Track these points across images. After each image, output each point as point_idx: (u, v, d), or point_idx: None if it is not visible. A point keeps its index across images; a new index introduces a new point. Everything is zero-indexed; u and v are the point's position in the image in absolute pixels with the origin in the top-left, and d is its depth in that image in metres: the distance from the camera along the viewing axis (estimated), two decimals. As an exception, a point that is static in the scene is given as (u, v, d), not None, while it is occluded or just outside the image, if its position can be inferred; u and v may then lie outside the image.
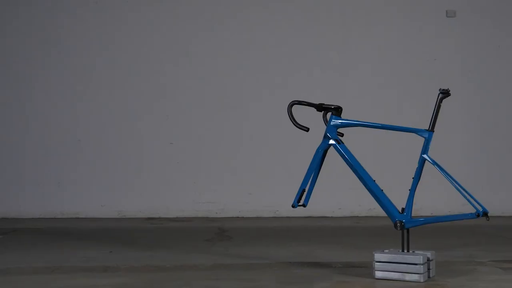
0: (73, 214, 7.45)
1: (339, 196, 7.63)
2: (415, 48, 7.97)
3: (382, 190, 3.98)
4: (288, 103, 4.14)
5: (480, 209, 3.81)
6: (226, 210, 7.60)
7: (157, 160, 7.64)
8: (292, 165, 7.13)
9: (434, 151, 7.83)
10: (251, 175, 7.50)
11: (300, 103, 4.10)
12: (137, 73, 7.66)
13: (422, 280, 3.72)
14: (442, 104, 4.13)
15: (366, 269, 4.05)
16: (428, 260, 3.86)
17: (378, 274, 3.84)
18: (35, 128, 7.55)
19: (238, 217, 7.54)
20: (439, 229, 6.58)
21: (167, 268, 4.24)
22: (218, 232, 6.22)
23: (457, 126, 8.03)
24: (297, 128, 4.05)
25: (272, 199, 7.46)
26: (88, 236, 6.03)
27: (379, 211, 7.02)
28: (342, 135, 4.20)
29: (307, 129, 4.03)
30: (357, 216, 7.57)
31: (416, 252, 3.88)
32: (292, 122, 4.08)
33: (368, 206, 7.46)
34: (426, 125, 7.99)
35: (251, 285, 3.70)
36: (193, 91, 7.65)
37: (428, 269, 3.85)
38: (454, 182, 3.84)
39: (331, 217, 7.55)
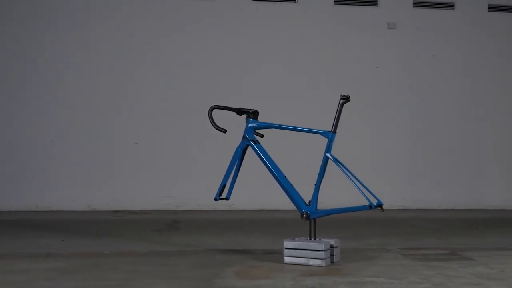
0: (46, 208, 7.49)
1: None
2: (359, 57, 8.11)
3: (292, 185, 4.07)
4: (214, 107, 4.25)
5: (375, 202, 3.91)
6: (185, 204, 7.70)
7: (124, 159, 7.71)
8: (244, 163, 7.25)
9: (376, 150, 8.05)
10: (208, 172, 7.57)
11: (219, 107, 4.19)
12: (108, 79, 7.72)
13: (324, 265, 3.81)
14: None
15: (281, 255, 4.14)
16: (332, 247, 3.97)
17: (287, 259, 3.93)
18: (12, 128, 7.58)
19: (196, 210, 7.65)
20: (371, 220, 6.73)
21: (104, 255, 4.27)
22: (170, 223, 6.29)
23: (396, 126, 8.16)
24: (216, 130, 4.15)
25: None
26: (52, 227, 6.04)
27: (325, 204, 7.19)
28: (262, 136, 4.30)
29: (224, 131, 4.13)
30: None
31: (322, 240, 3.99)
32: (212, 124, 4.17)
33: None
34: (372, 126, 8.20)
35: (168, 268, 3.74)
36: (156, 97, 7.75)
37: (331, 255, 3.95)
38: (352, 178, 3.93)
39: (283, 210, 7.61)
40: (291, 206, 7.81)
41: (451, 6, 8.28)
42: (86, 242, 4.96)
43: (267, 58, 7.96)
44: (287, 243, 3.95)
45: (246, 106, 7.64)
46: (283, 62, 7.98)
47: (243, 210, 7.62)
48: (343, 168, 3.92)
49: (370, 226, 6.22)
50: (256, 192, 7.41)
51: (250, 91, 7.82)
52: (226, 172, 4.18)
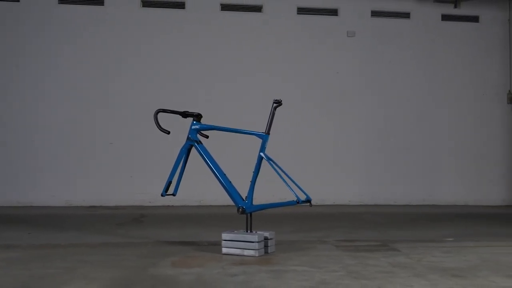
0: (27, 203, 7.58)
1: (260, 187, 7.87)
2: (321, 63, 8.22)
3: (230, 182, 4.15)
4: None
5: (304, 197, 4.02)
6: (158, 200, 7.71)
7: (100, 158, 7.81)
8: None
9: (338, 149, 8.15)
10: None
11: (164, 111, 4.30)
12: (88, 84, 7.82)
13: (257, 255, 3.90)
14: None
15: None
16: (266, 239, 4.08)
17: (224, 250, 4.02)
18: (-5, 130, 7.66)
19: (168, 205, 7.75)
20: (325, 215, 6.84)
21: (61, 246, 4.33)
22: (136, 218, 6.38)
23: (356, 128, 8.27)
24: (161, 131, 4.25)
25: (197, 190, 7.66)
26: (26, 221, 6.11)
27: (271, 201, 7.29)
28: (207, 137, 4.40)
29: (168, 132, 4.23)
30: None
31: (257, 232, 4.09)
32: (157, 126, 4.27)
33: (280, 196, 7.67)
34: (334, 127, 8.27)
35: (113, 258, 3.81)
36: (131, 100, 7.85)
37: (266, 246, 4.05)
38: (282, 175, 4.02)
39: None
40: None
41: (407, 15, 8.40)
42: (50, 235, 5.03)
43: (237, 64, 8.06)
44: (225, 235, 4.05)
45: (212, 109, 7.85)
46: (250, 68, 8.09)
47: (212, 205, 7.72)
48: (274, 166, 4.01)
49: (322, 220, 6.31)
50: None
51: (219, 96, 7.95)
52: (172, 170, 4.28)
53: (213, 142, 4.69)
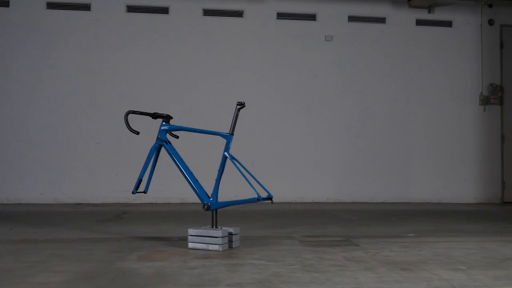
0: (16, 200, 7.66)
1: (241, 185, 7.95)
2: (300, 66, 8.31)
3: (197, 180, 4.23)
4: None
5: (266, 194, 4.10)
6: (142, 197, 7.79)
7: (87, 157, 7.89)
8: (194, 161, 7.41)
9: (317, 148, 8.24)
10: (162, 169, 7.76)
11: (134, 112, 4.38)
12: (75, 87, 7.89)
13: (221, 249, 3.97)
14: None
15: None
16: (231, 234, 4.16)
17: (190, 245, 4.09)
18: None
19: (152, 203, 7.83)
20: (300, 212, 6.92)
21: (37, 241, 4.39)
22: (118, 215, 6.45)
23: (334, 128, 8.36)
24: (131, 132, 4.33)
25: (180, 188, 7.69)
26: (11, 218, 6.16)
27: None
28: (177, 137, 4.49)
29: (137, 133, 4.31)
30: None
31: (222, 228, 4.18)
32: (127, 127, 4.35)
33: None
34: (313, 127, 8.35)
35: (84, 253, 3.88)
36: (117, 102, 7.92)
37: (230, 241, 4.14)
38: (245, 174, 4.09)
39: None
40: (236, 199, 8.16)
41: (382, 20, 8.49)
42: (31, 230, 5.07)
43: (219, 67, 8.15)
44: (191, 231, 4.13)
45: (196, 110, 7.94)
46: (232, 70, 8.17)
47: (194, 203, 7.77)
48: (237, 165, 4.09)
49: (296, 217, 6.39)
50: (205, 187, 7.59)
51: (202, 97, 8.02)
52: (142, 169, 4.36)
53: (183, 142, 4.79)
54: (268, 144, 8.14)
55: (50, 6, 7.87)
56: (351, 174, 8.37)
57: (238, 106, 4.17)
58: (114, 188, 7.80)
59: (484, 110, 8.58)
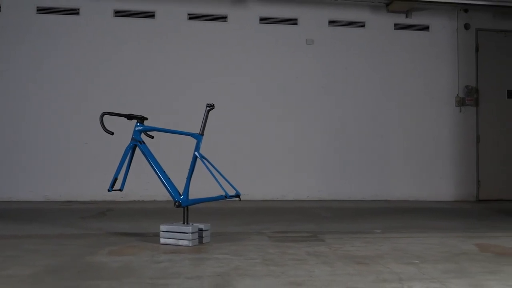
0: (7, 198, 7.70)
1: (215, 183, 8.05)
2: (281, 69, 8.39)
3: (169, 178, 4.31)
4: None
5: (234, 192, 4.18)
6: (129, 195, 7.90)
7: (76, 156, 7.95)
8: (179, 160, 7.49)
9: (298, 148, 8.31)
10: (148, 168, 7.84)
11: (109, 113, 4.46)
12: (65, 90, 7.95)
13: (190, 245, 4.05)
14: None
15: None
16: (201, 230, 4.24)
17: (162, 240, 4.17)
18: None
19: (138, 200, 7.91)
20: (279, 209, 6.99)
21: (16, 236, 4.45)
22: (102, 212, 6.52)
23: (315, 128, 8.44)
24: (105, 132, 4.41)
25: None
26: (0, 215, 6.18)
27: (252, 195, 7.46)
28: (152, 137, 4.59)
29: (111, 133, 4.40)
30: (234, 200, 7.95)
31: (194, 224, 4.26)
32: (102, 127, 4.43)
33: (243, 192, 7.84)
34: (295, 128, 8.42)
35: (60, 248, 3.94)
36: (104, 104, 7.98)
37: (200, 236, 4.22)
38: (214, 172, 4.17)
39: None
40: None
41: (362, 24, 8.57)
42: (14, 227, 5.14)
43: (204, 69, 8.22)
44: (162, 227, 4.22)
45: (180, 112, 8.00)
46: (217, 72, 8.25)
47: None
48: (207, 164, 4.17)
49: (272, 214, 6.45)
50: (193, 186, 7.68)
51: (187, 99, 8.09)
52: (117, 168, 4.44)
53: (161, 142, 4.88)
54: (251, 144, 8.23)
55: (40, 10, 7.93)
56: (331, 173, 8.45)
57: (208, 108, 4.25)
58: (102, 186, 7.75)
59: (460, 111, 8.67)
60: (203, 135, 4.27)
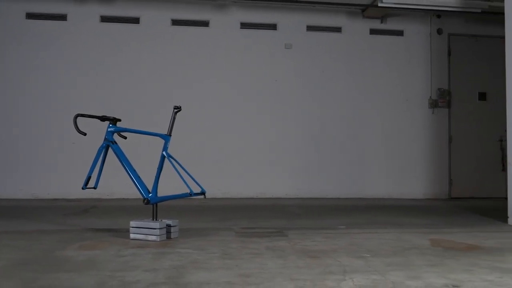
0: (-4, 196, 7.84)
1: (208, 181, 8.14)
2: (261, 72, 8.49)
3: (139, 177, 4.42)
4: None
5: (199, 190, 4.28)
6: (115, 193, 8.04)
7: (64, 156, 8.06)
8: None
9: (279, 148, 8.42)
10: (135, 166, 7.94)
11: (83, 115, 4.56)
12: (52, 92, 8.07)
13: (158, 240, 4.14)
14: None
15: (136, 233, 4.45)
16: (169, 226, 4.34)
17: (132, 235, 4.25)
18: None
19: (123, 198, 8.00)
20: (258, 207, 7.08)
21: None
22: (85, 209, 6.60)
23: (294, 129, 8.54)
24: (79, 133, 4.51)
25: (150, 185, 7.89)
26: None
27: (233, 193, 7.56)
28: (125, 138, 4.69)
29: (84, 134, 4.50)
30: (215, 198, 8.07)
31: (163, 220, 4.35)
32: (75, 128, 4.53)
33: (224, 190, 7.95)
34: (275, 129, 8.52)
35: (34, 243, 4.01)
36: (90, 106, 8.09)
37: (168, 232, 4.30)
38: (180, 171, 4.26)
39: (195, 198, 7.91)
40: (210, 195, 8.33)
41: (338, 30, 8.68)
42: (-2, 223, 5.27)
43: (187, 73, 8.33)
44: (132, 223, 4.30)
45: (164, 114, 8.06)
46: (200, 76, 8.35)
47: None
48: (173, 163, 4.26)
49: (247, 211, 6.52)
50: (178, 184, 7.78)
51: (172, 102, 8.16)
52: (91, 167, 4.54)
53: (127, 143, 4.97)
54: (232, 144, 8.33)
55: (29, 16, 8.02)
56: (310, 172, 8.55)
57: (175, 110, 4.34)
58: (89, 185, 7.92)
59: (433, 113, 8.79)
60: (170, 135, 4.37)
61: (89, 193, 7.69)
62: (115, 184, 7.99)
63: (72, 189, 7.92)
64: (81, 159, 8.01)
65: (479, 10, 7.96)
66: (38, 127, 8.00)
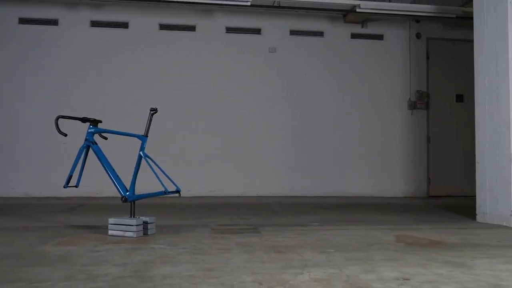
0: (-12, 195, 7.89)
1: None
2: (246, 75, 8.56)
3: (118, 176, 4.49)
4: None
5: (174, 188, 4.35)
6: (104, 192, 8.10)
7: (55, 156, 8.11)
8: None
9: (263, 148, 8.49)
10: (125, 168, 7.99)
11: (64, 117, 4.63)
12: (44, 95, 8.13)
13: (135, 236, 4.20)
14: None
15: (116, 229, 4.50)
16: (146, 223, 4.41)
17: (110, 232, 4.31)
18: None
19: (112, 196, 8.04)
20: (240, 205, 7.14)
21: None
22: (73, 207, 6.65)
23: (278, 130, 8.61)
24: (60, 134, 4.58)
25: (140, 185, 7.94)
26: None
27: (217, 192, 7.62)
28: (106, 138, 4.76)
29: (65, 135, 4.57)
30: (200, 196, 8.14)
31: (140, 217, 4.43)
32: (57, 129, 4.60)
33: (210, 188, 8.02)
34: (258, 129, 8.59)
35: (17, 239, 4.07)
36: (81, 109, 8.17)
37: (145, 229, 4.38)
38: (156, 170, 4.33)
39: (186, 196, 8.02)
40: (190, 193, 8.40)
41: (321, 34, 8.76)
42: (-17, 221, 5.31)
43: (175, 76, 8.40)
44: (110, 220, 4.37)
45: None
46: (187, 79, 8.43)
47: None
48: (150, 162, 4.33)
49: (228, 209, 6.56)
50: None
51: (160, 104, 8.23)
52: (72, 166, 4.61)
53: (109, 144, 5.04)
54: (217, 144, 8.39)
55: (22, 21, 8.08)
56: (293, 171, 8.63)
57: (152, 112, 4.41)
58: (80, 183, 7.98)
59: (412, 114, 8.88)
60: (147, 136, 4.44)
61: (79, 192, 7.76)
62: (105, 183, 8.04)
63: (63, 188, 7.98)
64: (71, 158, 8.01)
65: (454, 15, 8.05)
66: (30, 128, 8.06)
